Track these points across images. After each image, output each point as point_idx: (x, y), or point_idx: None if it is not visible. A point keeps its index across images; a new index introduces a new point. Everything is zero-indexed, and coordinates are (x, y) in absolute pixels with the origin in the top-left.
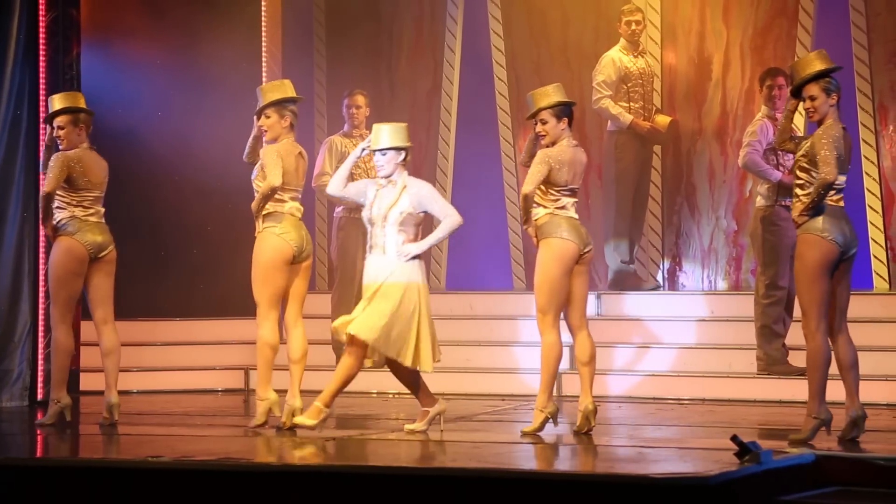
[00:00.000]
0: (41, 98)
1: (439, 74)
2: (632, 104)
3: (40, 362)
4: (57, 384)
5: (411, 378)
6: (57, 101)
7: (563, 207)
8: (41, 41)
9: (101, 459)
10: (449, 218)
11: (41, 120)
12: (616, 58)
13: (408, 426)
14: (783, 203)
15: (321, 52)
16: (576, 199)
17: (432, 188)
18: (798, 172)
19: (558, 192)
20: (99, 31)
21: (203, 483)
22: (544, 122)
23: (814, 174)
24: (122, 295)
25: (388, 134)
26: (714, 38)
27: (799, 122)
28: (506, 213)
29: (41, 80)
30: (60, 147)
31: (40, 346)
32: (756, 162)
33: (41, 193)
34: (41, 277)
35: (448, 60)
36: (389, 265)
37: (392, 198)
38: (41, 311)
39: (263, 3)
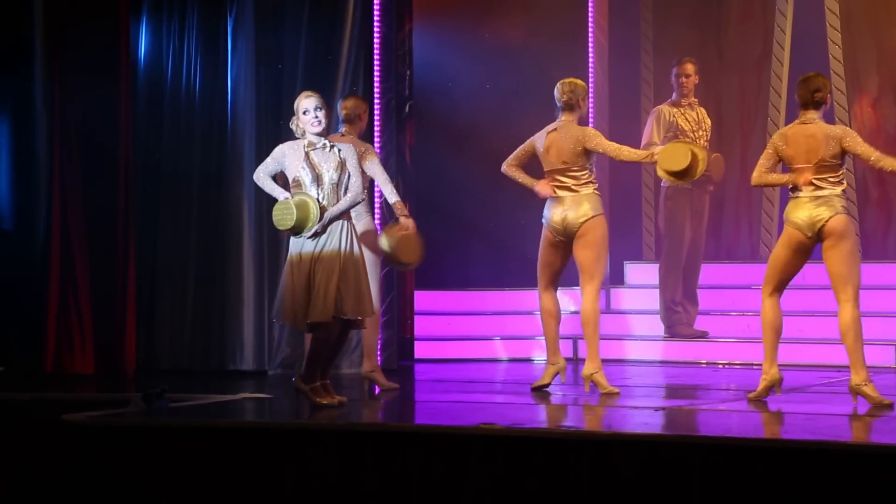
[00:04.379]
0: (375, 75)
1: (770, 40)
2: None
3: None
4: None
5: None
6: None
7: None
8: (375, 19)
9: (435, 426)
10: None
11: (376, 96)
12: None
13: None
14: None
15: (648, 21)
16: None
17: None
18: None
19: None
20: (429, 7)
21: (531, 450)
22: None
23: None
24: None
25: None
26: None
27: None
28: None
29: (375, 58)
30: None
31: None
32: None
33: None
34: None
35: (779, 25)
36: None
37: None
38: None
39: None
